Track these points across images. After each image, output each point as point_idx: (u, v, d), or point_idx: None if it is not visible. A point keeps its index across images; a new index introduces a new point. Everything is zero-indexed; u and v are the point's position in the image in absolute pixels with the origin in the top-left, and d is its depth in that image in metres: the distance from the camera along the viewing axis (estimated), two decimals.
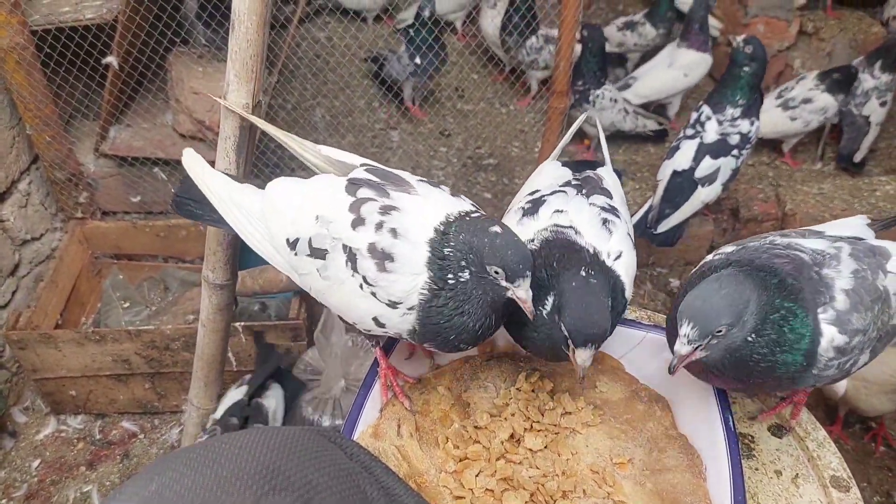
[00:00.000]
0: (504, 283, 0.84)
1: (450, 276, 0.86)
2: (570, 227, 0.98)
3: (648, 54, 3.18)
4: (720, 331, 0.84)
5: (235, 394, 1.65)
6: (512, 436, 0.99)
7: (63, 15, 1.96)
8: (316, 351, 1.77)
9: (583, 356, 0.87)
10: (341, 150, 1.06)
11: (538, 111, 3.12)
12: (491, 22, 3.13)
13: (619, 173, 1.18)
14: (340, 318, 1.05)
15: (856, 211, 2.54)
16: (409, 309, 0.88)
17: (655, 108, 3.06)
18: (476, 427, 1.01)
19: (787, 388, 0.94)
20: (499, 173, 2.87)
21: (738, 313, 0.84)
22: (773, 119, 2.75)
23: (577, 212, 1.00)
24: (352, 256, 0.89)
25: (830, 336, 0.88)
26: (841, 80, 2.68)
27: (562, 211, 1.00)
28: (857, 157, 2.83)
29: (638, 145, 3.02)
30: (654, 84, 2.95)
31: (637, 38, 3.15)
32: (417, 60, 2.79)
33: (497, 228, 0.85)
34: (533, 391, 1.07)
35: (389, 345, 1.08)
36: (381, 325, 0.91)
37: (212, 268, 1.32)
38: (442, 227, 0.87)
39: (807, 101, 2.72)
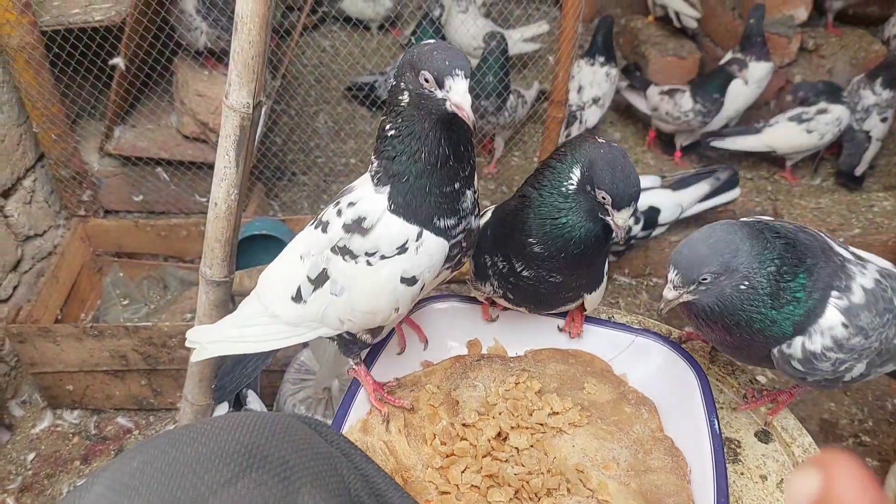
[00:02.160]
0: (438, 93, 0.78)
1: (393, 111, 0.83)
2: None
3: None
4: (705, 279, 0.85)
5: (221, 409, 1.62)
6: (499, 434, 1.01)
7: (72, 16, 2.00)
8: (310, 351, 1.79)
9: (624, 217, 0.88)
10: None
11: (536, 121, 3.15)
12: (462, 28, 2.97)
13: None
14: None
15: (852, 226, 2.55)
16: (418, 237, 0.87)
17: None
18: (464, 424, 1.02)
19: (766, 360, 0.93)
20: (498, 182, 2.90)
21: (725, 263, 0.84)
22: (788, 133, 2.71)
23: None
24: (343, 251, 0.90)
25: (833, 322, 0.87)
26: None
27: None
28: (858, 171, 2.84)
29: None
30: (738, 105, 2.86)
31: (671, 106, 2.83)
32: None
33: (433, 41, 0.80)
34: (521, 391, 1.08)
35: (371, 357, 1.09)
36: (413, 281, 0.89)
37: (209, 264, 1.34)
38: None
39: (822, 111, 2.71)
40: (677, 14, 3.30)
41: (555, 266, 0.97)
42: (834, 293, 0.88)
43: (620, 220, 0.88)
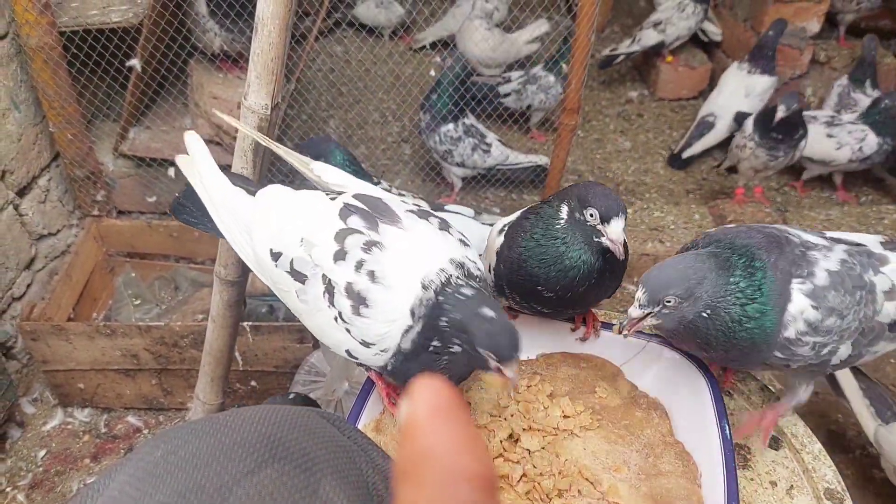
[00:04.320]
0: (493, 364, 0.85)
1: (438, 342, 0.87)
2: None
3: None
4: (669, 301, 0.89)
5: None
6: (511, 436, 1.01)
7: (90, 17, 2.03)
8: (320, 353, 1.80)
9: (615, 229, 0.94)
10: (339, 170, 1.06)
11: (549, 128, 3.16)
12: (478, 37, 2.99)
13: None
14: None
15: None
16: (383, 351, 0.88)
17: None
18: (476, 426, 1.03)
19: (755, 361, 0.95)
20: (507, 189, 2.90)
21: (689, 288, 0.88)
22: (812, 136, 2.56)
23: None
24: (330, 289, 0.88)
25: (802, 307, 0.89)
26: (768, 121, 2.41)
27: None
28: None
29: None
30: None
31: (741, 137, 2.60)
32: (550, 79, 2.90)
33: (490, 313, 0.83)
34: (533, 394, 1.09)
35: None
36: (354, 358, 0.92)
37: (224, 264, 1.35)
38: (431, 287, 0.86)
39: (853, 123, 2.64)
40: (703, 31, 3.40)
41: (568, 301, 1.03)
42: (795, 280, 0.90)
43: (614, 233, 0.92)
